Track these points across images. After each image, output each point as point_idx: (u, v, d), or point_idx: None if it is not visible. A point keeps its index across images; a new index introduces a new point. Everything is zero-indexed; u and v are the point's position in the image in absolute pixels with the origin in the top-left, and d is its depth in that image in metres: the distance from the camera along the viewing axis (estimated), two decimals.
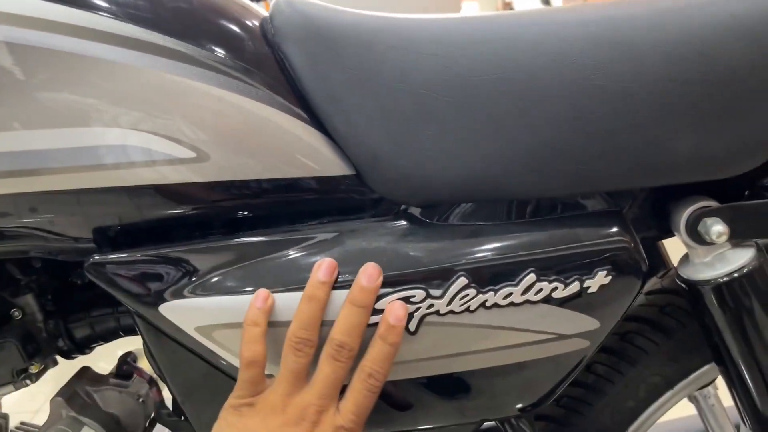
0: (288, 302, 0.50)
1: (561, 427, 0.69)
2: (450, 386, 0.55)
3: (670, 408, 0.68)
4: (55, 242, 0.53)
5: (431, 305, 0.50)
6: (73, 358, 0.66)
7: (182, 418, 0.66)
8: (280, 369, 0.49)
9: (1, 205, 0.50)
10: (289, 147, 0.51)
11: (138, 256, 0.52)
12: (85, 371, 0.67)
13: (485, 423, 0.63)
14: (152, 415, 0.68)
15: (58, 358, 0.67)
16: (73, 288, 0.66)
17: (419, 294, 0.50)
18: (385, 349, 0.49)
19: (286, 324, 0.50)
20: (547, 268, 0.51)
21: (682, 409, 0.84)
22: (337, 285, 0.50)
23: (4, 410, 0.78)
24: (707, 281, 0.54)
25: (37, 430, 0.68)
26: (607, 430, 0.67)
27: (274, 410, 0.49)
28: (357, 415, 0.49)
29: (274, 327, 0.50)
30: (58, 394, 0.62)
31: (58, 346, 0.64)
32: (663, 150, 0.50)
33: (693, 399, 0.80)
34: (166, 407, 0.65)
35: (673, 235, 0.59)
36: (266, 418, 0.49)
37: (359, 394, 0.49)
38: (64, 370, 0.69)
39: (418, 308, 0.50)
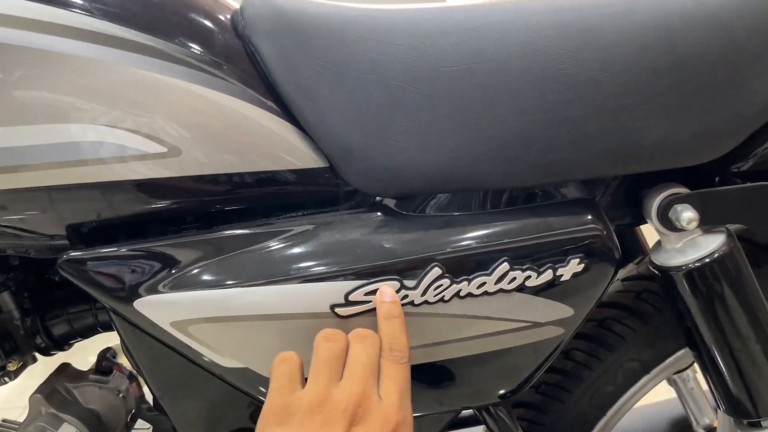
0: (260, 296, 0.50)
1: (540, 414, 0.69)
2: (427, 375, 0.56)
3: (648, 392, 0.69)
4: (28, 240, 0.53)
5: (406, 296, 0.51)
6: (52, 354, 0.66)
7: (163, 412, 0.66)
8: (317, 368, 0.46)
9: None
10: (261, 140, 0.51)
11: (112, 252, 0.52)
12: (64, 368, 0.67)
13: (464, 411, 0.63)
14: (133, 410, 0.68)
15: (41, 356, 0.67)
16: (50, 285, 0.65)
17: (393, 285, 0.50)
18: (394, 323, 0.48)
19: (259, 317, 0.50)
20: (520, 257, 0.51)
21: (664, 393, 0.85)
22: (311, 277, 0.50)
23: None
24: (679, 267, 0.55)
25: (17, 427, 0.68)
26: (586, 414, 0.68)
27: (312, 411, 0.44)
28: (399, 395, 0.45)
29: (248, 320, 0.50)
30: (37, 391, 0.62)
31: (36, 343, 0.64)
32: (632, 138, 0.50)
33: (672, 383, 0.81)
34: (146, 402, 0.65)
35: (646, 222, 0.59)
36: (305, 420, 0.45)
37: (391, 371, 0.46)
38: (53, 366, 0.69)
39: None
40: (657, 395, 0.82)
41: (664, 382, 0.76)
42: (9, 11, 0.47)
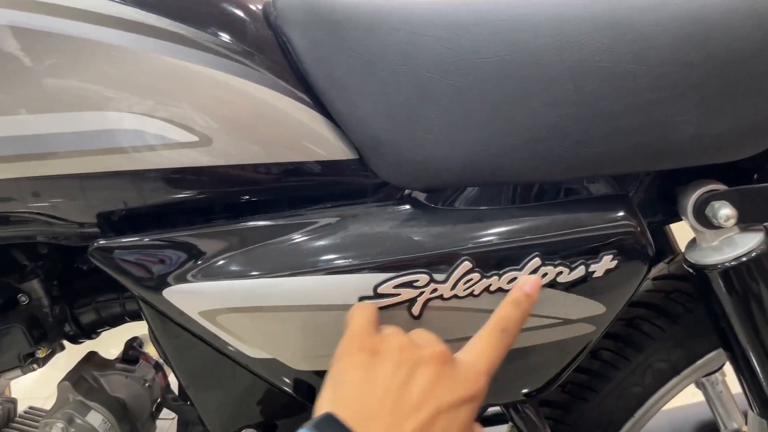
0: (288, 287, 0.50)
1: (565, 413, 0.69)
2: None
3: (677, 394, 0.68)
4: (59, 227, 0.53)
5: (435, 290, 0.50)
6: (80, 342, 0.67)
7: (188, 402, 0.66)
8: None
9: (4, 189, 0.50)
10: (291, 131, 0.51)
11: (142, 240, 0.52)
12: (92, 356, 0.68)
13: (489, 409, 0.63)
14: (158, 399, 0.69)
15: (66, 343, 0.68)
16: (79, 274, 0.66)
17: (423, 278, 0.50)
18: (518, 312, 0.47)
19: (287, 308, 0.50)
20: (552, 252, 0.50)
21: (691, 396, 0.83)
22: (340, 269, 0.50)
23: (15, 396, 0.79)
24: (714, 265, 0.54)
25: (44, 414, 0.69)
26: (613, 416, 0.67)
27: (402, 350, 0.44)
28: (489, 365, 0.45)
29: (277, 311, 0.50)
30: (65, 379, 0.63)
31: (65, 331, 0.65)
32: (667, 133, 0.49)
33: (701, 386, 0.80)
34: (171, 392, 0.65)
35: (680, 219, 0.58)
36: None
37: (494, 348, 0.46)
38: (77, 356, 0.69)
39: (422, 292, 0.50)
40: (684, 399, 0.81)
41: (692, 386, 0.75)
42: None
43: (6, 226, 0.53)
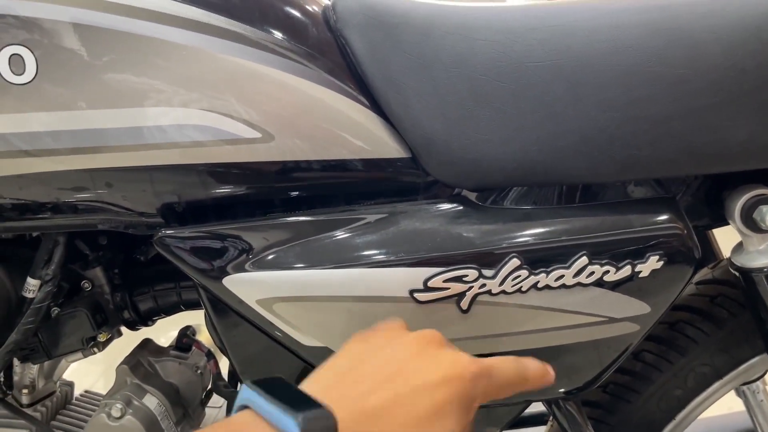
0: (341, 279, 0.52)
1: (606, 413, 0.69)
2: None
3: (718, 399, 0.68)
4: (125, 216, 0.56)
5: (483, 285, 0.51)
6: (137, 329, 0.70)
7: (236, 389, 0.68)
8: None
9: (79, 180, 0.53)
10: (348, 129, 0.53)
11: (203, 231, 0.55)
12: (147, 343, 0.70)
13: (531, 408, 0.64)
14: (209, 386, 0.71)
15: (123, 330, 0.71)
16: (139, 264, 0.69)
17: (472, 274, 0.51)
18: (519, 381, 0.44)
19: (340, 299, 0.52)
20: (599, 252, 0.51)
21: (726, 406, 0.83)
22: (391, 263, 0.52)
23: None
24: (761, 269, 0.54)
25: (100, 397, 0.72)
26: (654, 417, 0.67)
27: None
28: (485, 363, 0.41)
29: (330, 301, 0.52)
30: (123, 363, 0.66)
31: (124, 317, 0.67)
32: (717, 137, 0.50)
33: (741, 394, 0.79)
34: (222, 379, 0.67)
35: (724, 224, 0.59)
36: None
37: (503, 363, 0.43)
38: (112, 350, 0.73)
39: (471, 287, 0.51)
40: (720, 408, 0.80)
41: (732, 395, 0.74)
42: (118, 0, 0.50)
43: (80, 215, 0.56)
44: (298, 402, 0.34)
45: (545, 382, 0.45)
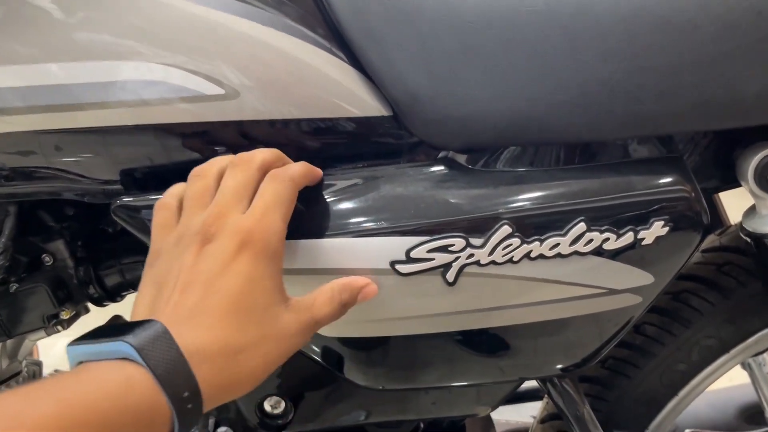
0: (315, 250, 0.47)
1: (604, 389, 0.66)
2: (489, 342, 0.53)
3: (725, 373, 0.65)
4: (82, 184, 0.52)
5: (471, 255, 0.47)
6: (105, 305, 0.66)
7: None
8: (185, 206, 0.43)
9: (25, 142, 0.48)
10: (322, 86, 0.48)
11: None
12: (116, 319, 0.66)
13: (525, 383, 0.60)
14: None
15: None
16: (105, 235, 0.65)
17: (459, 243, 0.47)
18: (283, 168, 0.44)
19: (314, 272, 0.48)
20: (598, 218, 0.47)
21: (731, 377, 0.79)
22: (370, 232, 0.47)
23: (42, 359, 0.79)
24: None
25: None
26: (655, 393, 0.64)
27: (175, 244, 0.42)
28: (261, 208, 0.41)
29: (305, 274, 0.48)
30: (75, 339, 0.62)
31: (89, 292, 0.63)
32: (731, 89, 0.45)
33: (747, 366, 0.76)
34: None
35: (734, 186, 0.55)
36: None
37: (262, 189, 0.42)
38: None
39: (458, 258, 0.47)
40: (721, 381, 0.77)
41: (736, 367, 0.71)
42: None
43: (29, 182, 0.51)
44: (120, 329, 0.35)
45: (313, 175, 0.47)
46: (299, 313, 0.41)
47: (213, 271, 0.38)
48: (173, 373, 0.33)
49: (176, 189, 0.45)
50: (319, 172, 0.48)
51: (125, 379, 0.32)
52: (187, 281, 0.38)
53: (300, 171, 0.45)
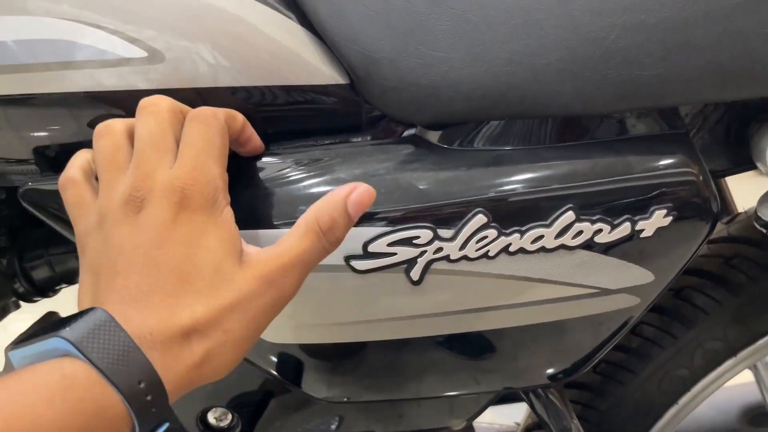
0: (267, 241, 0.41)
1: (596, 397, 0.60)
2: (463, 348, 0.47)
3: (731, 378, 0.59)
4: None
5: (439, 249, 0.41)
6: (35, 301, 0.59)
7: None
8: (99, 175, 0.37)
9: None
10: (264, 48, 0.41)
11: None
12: (49, 316, 0.59)
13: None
14: None
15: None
16: (31, 223, 0.57)
17: (425, 234, 0.41)
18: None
19: None
20: (589, 205, 0.41)
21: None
22: None
23: None
24: None
25: None
26: (653, 401, 0.58)
27: (98, 223, 0.37)
28: (192, 158, 0.35)
29: None
30: (13, 343, 0.55)
31: (14, 287, 0.56)
32: (750, 51, 0.39)
33: (752, 367, 0.70)
34: None
35: (747, 168, 0.49)
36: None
37: (185, 136, 0.36)
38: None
39: (424, 252, 0.41)
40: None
41: None
42: None
43: None
44: (57, 324, 0.31)
45: (238, 119, 0.40)
46: (259, 265, 0.35)
47: (150, 243, 0.34)
48: (121, 363, 0.30)
49: (80, 157, 0.38)
50: (241, 117, 0.40)
51: (62, 377, 0.29)
52: (125, 262, 0.34)
53: (223, 110, 0.38)
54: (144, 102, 0.37)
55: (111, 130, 0.37)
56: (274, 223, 0.41)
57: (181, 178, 0.35)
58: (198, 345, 0.33)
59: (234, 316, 0.34)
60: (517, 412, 0.76)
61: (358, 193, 0.37)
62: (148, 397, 0.30)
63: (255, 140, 0.42)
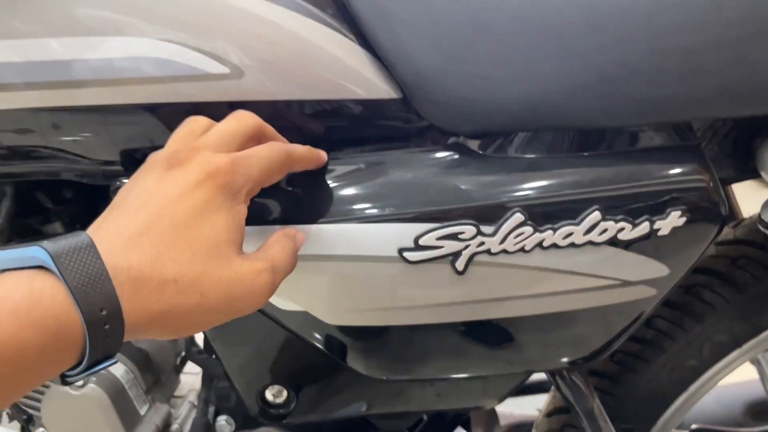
0: (321, 236, 0.46)
1: (612, 384, 0.64)
2: (497, 333, 0.52)
3: (735, 369, 0.63)
4: (81, 164, 0.50)
5: (482, 243, 0.46)
6: None
7: (212, 356, 0.63)
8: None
9: (23, 120, 0.47)
10: (328, 65, 0.46)
11: None
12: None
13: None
14: (183, 352, 0.66)
15: None
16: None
17: (469, 230, 0.45)
18: (283, 160, 0.41)
19: (320, 258, 0.46)
20: (613, 207, 0.45)
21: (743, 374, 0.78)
22: (378, 218, 0.46)
23: None
24: None
25: None
26: (664, 388, 0.62)
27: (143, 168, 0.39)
28: (240, 159, 0.39)
29: (309, 261, 0.46)
30: None
31: None
32: (756, 73, 0.43)
33: (756, 362, 0.75)
34: (196, 345, 0.62)
35: (751, 176, 0.53)
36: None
37: (263, 152, 0.40)
38: None
39: (467, 246, 0.46)
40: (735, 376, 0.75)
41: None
42: None
43: (27, 162, 0.50)
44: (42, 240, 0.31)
45: (316, 160, 0.45)
46: (253, 260, 0.37)
47: (168, 196, 0.36)
48: (89, 287, 0.30)
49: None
50: (323, 156, 0.46)
51: (30, 291, 0.29)
52: (138, 205, 0.35)
53: (301, 151, 0.44)
54: (237, 111, 0.42)
55: (198, 119, 0.42)
56: (337, 218, 0.46)
57: (223, 160, 0.37)
58: (170, 297, 0.33)
59: (220, 287, 0.35)
60: (537, 403, 0.81)
61: (299, 237, 0.43)
62: (106, 326, 0.30)
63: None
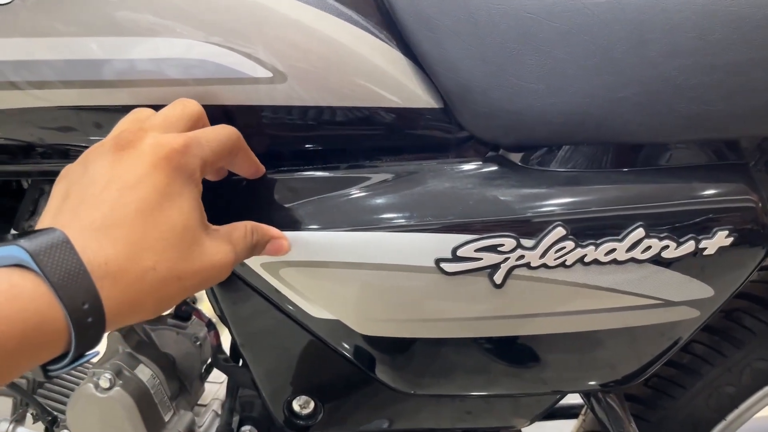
0: (357, 243, 0.45)
1: (647, 409, 0.62)
2: (531, 350, 0.51)
3: None
4: None
5: (521, 256, 0.45)
6: None
7: (239, 363, 0.63)
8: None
9: (64, 118, 0.47)
10: (371, 73, 0.46)
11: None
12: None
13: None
14: (208, 360, 0.65)
15: None
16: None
17: (509, 243, 0.45)
18: (234, 140, 0.41)
19: (355, 266, 0.46)
20: (658, 224, 0.44)
21: None
22: (416, 228, 0.45)
23: None
24: None
25: (90, 366, 0.67)
26: (701, 416, 0.60)
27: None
28: (191, 139, 0.38)
29: (344, 268, 0.46)
30: (116, 330, 0.60)
31: None
32: None
33: None
34: (223, 352, 0.62)
35: None
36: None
37: (214, 132, 0.40)
38: None
39: (507, 259, 0.45)
40: None
41: None
42: None
43: (61, 160, 0.50)
44: (16, 237, 0.31)
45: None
46: (221, 242, 0.38)
47: (126, 181, 0.35)
48: (71, 282, 0.30)
49: None
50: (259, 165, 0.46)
51: (9, 287, 0.29)
52: (96, 193, 0.35)
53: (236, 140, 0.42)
54: (181, 98, 0.41)
55: (143, 108, 0.41)
56: (373, 226, 0.46)
57: (176, 140, 0.37)
58: (150, 285, 0.33)
59: (195, 269, 0.35)
60: (560, 429, 0.79)
61: (280, 244, 0.44)
62: (89, 320, 0.31)
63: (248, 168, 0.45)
